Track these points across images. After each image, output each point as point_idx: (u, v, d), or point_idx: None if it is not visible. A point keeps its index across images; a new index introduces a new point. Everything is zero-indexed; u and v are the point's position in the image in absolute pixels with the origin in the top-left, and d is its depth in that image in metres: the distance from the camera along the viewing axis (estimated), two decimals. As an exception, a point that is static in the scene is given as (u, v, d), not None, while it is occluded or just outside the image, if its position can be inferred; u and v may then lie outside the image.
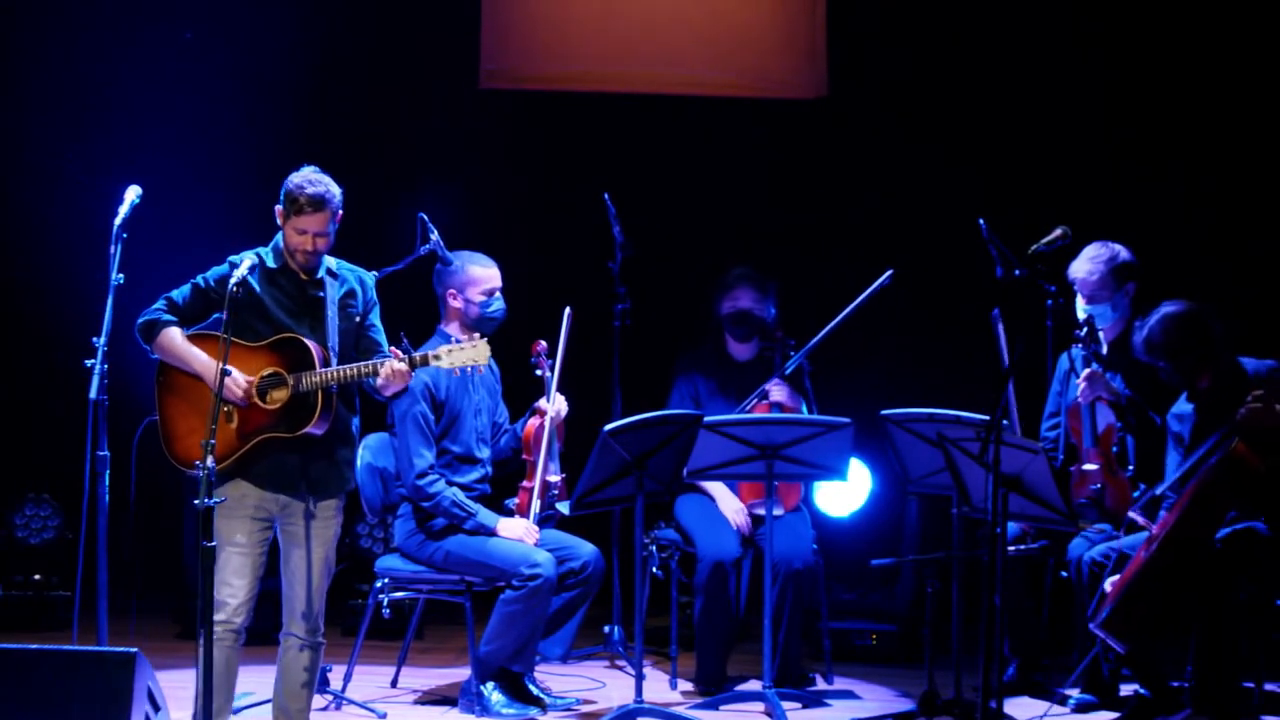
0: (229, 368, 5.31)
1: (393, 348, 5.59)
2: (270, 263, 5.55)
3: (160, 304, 5.52)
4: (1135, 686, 6.33)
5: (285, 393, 5.43)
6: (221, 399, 5.23)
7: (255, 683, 6.27)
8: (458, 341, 5.69)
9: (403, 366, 5.49)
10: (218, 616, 5.45)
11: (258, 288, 5.51)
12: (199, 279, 5.55)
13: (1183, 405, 6.27)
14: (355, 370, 5.47)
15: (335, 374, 5.45)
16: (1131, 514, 6.17)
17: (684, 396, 7.12)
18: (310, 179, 5.51)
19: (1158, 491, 6.18)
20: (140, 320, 5.51)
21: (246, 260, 5.41)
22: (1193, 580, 5.92)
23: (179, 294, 5.54)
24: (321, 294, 5.56)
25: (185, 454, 5.48)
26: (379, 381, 5.50)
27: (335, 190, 5.54)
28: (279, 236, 5.59)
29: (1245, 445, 5.88)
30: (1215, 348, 6.11)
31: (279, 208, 5.53)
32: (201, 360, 5.45)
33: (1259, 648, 6.13)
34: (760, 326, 7.10)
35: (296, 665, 5.61)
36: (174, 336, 5.49)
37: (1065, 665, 6.68)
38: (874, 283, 6.91)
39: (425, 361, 5.52)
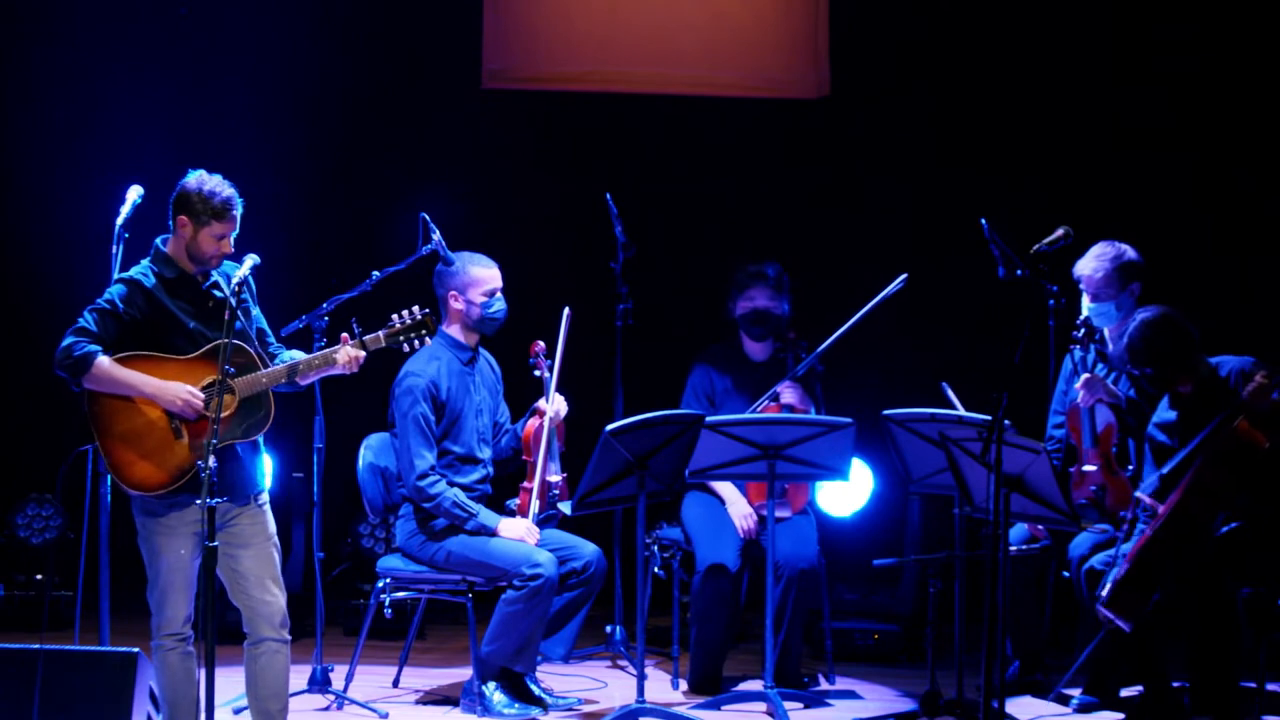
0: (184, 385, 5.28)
1: (343, 334, 5.55)
2: (168, 274, 5.41)
3: (78, 338, 5.30)
4: (1137, 687, 6.34)
5: (231, 399, 5.31)
6: (173, 415, 5.24)
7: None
8: (412, 318, 5.61)
9: (359, 352, 5.47)
10: (167, 631, 5.37)
11: (167, 302, 5.38)
12: (102, 303, 5.36)
13: (1165, 414, 6.24)
14: (305, 363, 5.43)
15: (286, 369, 5.40)
16: (1139, 494, 6.13)
17: (698, 394, 7.11)
18: (217, 183, 5.42)
19: (1164, 472, 6.15)
20: (68, 357, 5.27)
21: (249, 260, 5.34)
22: (1189, 561, 5.91)
23: (89, 322, 5.33)
24: (220, 295, 5.46)
25: (143, 480, 5.30)
26: (328, 368, 5.46)
27: None
28: (163, 244, 5.44)
29: (1249, 423, 5.89)
30: (1194, 351, 6.11)
31: (183, 217, 5.38)
32: (151, 382, 5.29)
33: (1259, 648, 6.12)
34: (777, 325, 7.09)
35: (272, 669, 5.47)
36: (109, 365, 5.29)
37: (1067, 665, 6.68)
38: (888, 287, 6.90)
39: (378, 343, 5.53)
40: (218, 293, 5.45)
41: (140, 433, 5.30)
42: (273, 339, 5.61)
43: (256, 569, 5.43)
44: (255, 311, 5.57)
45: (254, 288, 5.56)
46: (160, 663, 5.41)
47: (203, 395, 5.30)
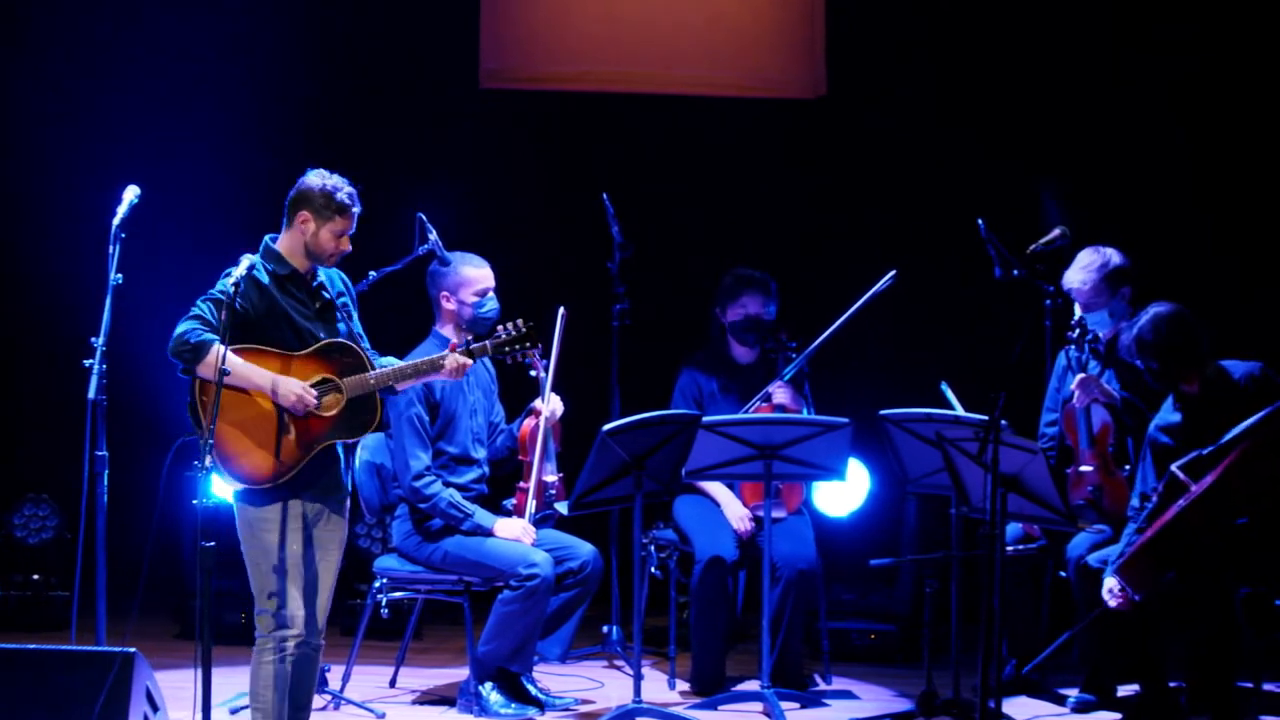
0: (291, 378, 5.29)
1: (451, 341, 5.58)
2: (280, 270, 5.42)
3: (196, 324, 5.24)
4: (1134, 686, 6.34)
5: (339, 398, 5.34)
6: (283, 410, 5.26)
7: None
8: (517, 330, 5.70)
9: (466, 360, 5.53)
10: (290, 632, 5.31)
11: (279, 297, 5.38)
12: (216, 293, 5.31)
13: (1169, 415, 6.21)
14: (414, 367, 5.48)
15: (394, 372, 5.44)
16: (1174, 469, 6.07)
17: (686, 399, 7.11)
18: (340, 180, 5.44)
19: (1205, 453, 6.08)
20: (184, 344, 5.20)
21: (245, 260, 5.31)
22: (1209, 550, 5.86)
23: (205, 311, 5.28)
24: (328, 295, 5.50)
25: (250, 471, 5.27)
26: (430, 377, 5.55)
27: None
28: (273, 241, 5.44)
29: None
30: (1203, 350, 6.10)
31: (305, 212, 5.38)
32: (268, 375, 5.28)
33: (1258, 648, 6.11)
34: (768, 330, 7.08)
35: (302, 669, 5.44)
36: (227, 355, 5.23)
37: (1064, 665, 6.68)
38: (877, 283, 6.91)
39: (484, 352, 5.64)
40: (325, 294, 5.49)
41: (251, 424, 5.29)
42: (368, 345, 5.59)
43: (317, 576, 5.44)
44: (354, 317, 5.60)
45: (354, 294, 5.64)
46: (274, 663, 5.32)
47: (315, 393, 5.33)
